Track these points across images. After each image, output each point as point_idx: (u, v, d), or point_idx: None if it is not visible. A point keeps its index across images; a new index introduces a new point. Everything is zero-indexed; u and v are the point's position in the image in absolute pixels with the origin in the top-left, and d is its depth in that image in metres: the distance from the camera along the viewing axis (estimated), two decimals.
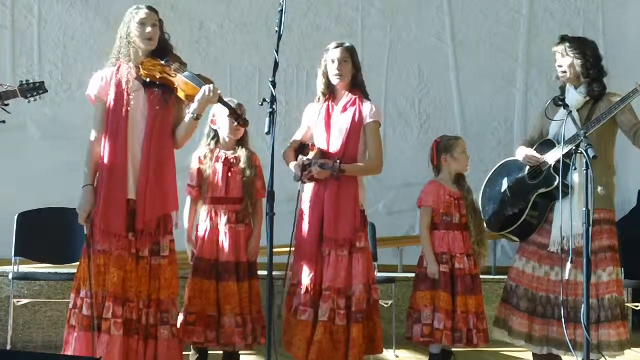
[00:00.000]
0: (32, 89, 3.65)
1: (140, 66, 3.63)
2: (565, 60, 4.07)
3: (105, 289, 3.53)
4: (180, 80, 3.63)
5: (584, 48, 4.09)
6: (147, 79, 3.63)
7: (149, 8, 3.69)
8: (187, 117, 3.69)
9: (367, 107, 4.05)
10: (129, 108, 3.60)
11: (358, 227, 4.00)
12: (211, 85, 3.62)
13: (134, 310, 3.55)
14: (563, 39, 4.15)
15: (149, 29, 3.63)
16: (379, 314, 4.08)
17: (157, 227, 3.65)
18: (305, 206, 4.04)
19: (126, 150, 3.59)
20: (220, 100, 3.68)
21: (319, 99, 4.14)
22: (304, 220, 4.04)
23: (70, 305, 3.59)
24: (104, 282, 3.54)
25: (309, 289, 3.93)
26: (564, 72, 4.09)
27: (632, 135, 4.02)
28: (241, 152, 4.17)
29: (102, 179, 3.59)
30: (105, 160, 3.60)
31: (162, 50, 3.71)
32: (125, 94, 3.61)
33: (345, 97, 4.07)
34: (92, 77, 3.71)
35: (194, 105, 3.65)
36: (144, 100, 3.64)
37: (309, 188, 4.04)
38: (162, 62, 3.66)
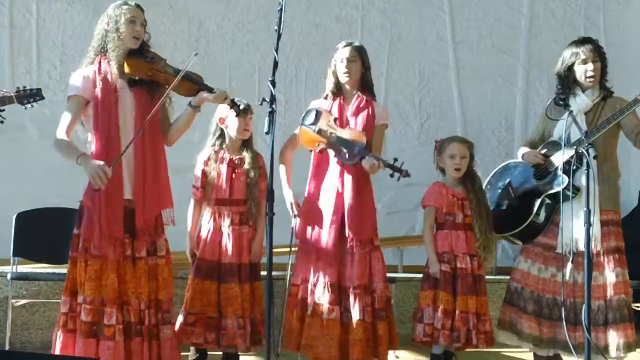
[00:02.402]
0: (29, 96, 3.60)
1: (126, 63, 3.56)
2: (597, 65, 4.09)
3: (102, 294, 3.48)
4: (171, 77, 3.54)
5: (603, 52, 4.14)
6: (136, 77, 3.57)
7: (138, 6, 3.63)
8: (187, 109, 3.65)
9: (379, 109, 4.11)
10: (118, 107, 3.53)
11: (375, 225, 4.07)
12: (224, 90, 3.61)
13: (132, 312, 3.51)
14: (586, 41, 4.15)
15: (138, 28, 3.58)
16: (392, 311, 4.13)
17: (154, 226, 3.63)
18: (321, 205, 4.02)
19: (120, 150, 3.52)
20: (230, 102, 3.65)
21: (327, 96, 4.15)
22: (313, 219, 4.03)
23: (65, 310, 3.53)
24: (100, 288, 3.48)
25: (335, 287, 3.92)
26: (596, 76, 4.10)
27: (634, 137, 4.03)
28: (246, 154, 4.16)
29: None
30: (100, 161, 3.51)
31: (141, 47, 3.64)
32: (113, 91, 3.54)
33: (357, 98, 4.08)
34: (72, 77, 3.62)
35: (196, 97, 3.61)
36: (131, 98, 3.58)
37: (317, 187, 4.03)
38: (147, 59, 3.59)
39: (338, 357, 3.90)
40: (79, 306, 3.49)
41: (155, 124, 3.63)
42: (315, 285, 3.97)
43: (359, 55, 4.07)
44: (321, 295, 3.94)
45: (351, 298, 3.92)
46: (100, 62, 3.58)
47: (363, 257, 3.97)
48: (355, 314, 3.90)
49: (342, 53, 4.06)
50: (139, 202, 3.57)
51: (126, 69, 3.56)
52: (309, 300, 3.98)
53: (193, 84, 3.61)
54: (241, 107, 3.74)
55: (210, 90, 3.61)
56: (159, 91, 3.61)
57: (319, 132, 3.95)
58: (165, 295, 3.63)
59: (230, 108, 3.71)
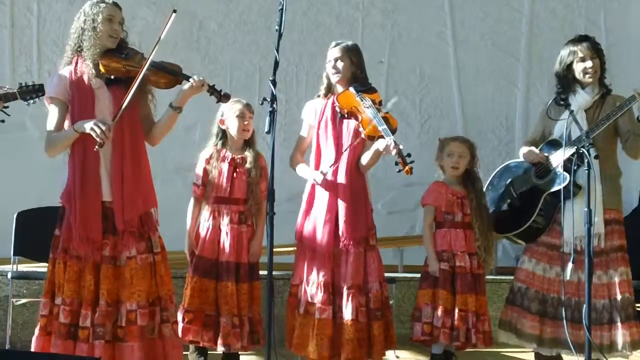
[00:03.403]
0: (32, 92, 3.60)
1: (100, 63, 3.49)
2: (595, 62, 4.10)
3: (80, 296, 3.45)
4: (148, 70, 3.46)
5: (601, 49, 4.17)
6: (112, 76, 3.51)
7: (116, 4, 3.58)
8: (167, 111, 3.58)
9: None
10: (95, 107, 3.48)
11: (371, 224, 4.05)
12: (200, 77, 3.50)
13: (96, 314, 3.43)
14: (582, 39, 4.16)
15: (116, 27, 3.53)
16: (390, 311, 4.13)
17: (142, 224, 3.55)
18: (316, 205, 4.03)
19: (98, 152, 3.46)
20: (209, 88, 3.54)
21: (319, 95, 4.16)
22: (310, 219, 4.04)
23: (46, 312, 3.49)
24: (79, 289, 3.46)
25: (328, 287, 3.92)
26: (595, 73, 4.11)
27: (623, 142, 4.07)
28: (248, 153, 4.16)
29: (76, 184, 3.48)
30: (77, 163, 3.49)
31: (118, 45, 3.58)
32: (90, 92, 3.49)
33: None
34: (50, 78, 3.61)
35: (177, 98, 3.55)
36: (108, 97, 3.53)
37: (317, 187, 4.03)
38: (122, 56, 3.53)
39: (329, 357, 3.90)
40: (56, 307, 3.45)
41: (135, 122, 3.58)
42: (309, 284, 3.97)
43: (347, 53, 4.05)
44: (314, 294, 3.94)
45: (344, 297, 3.92)
46: (77, 63, 3.54)
47: (357, 256, 3.96)
48: (348, 313, 3.90)
49: (331, 53, 4.08)
50: (117, 203, 3.49)
51: (101, 69, 3.49)
52: (302, 299, 3.98)
53: (168, 74, 3.52)
54: (222, 92, 3.59)
55: (187, 78, 3.50)
56: (139, 87, 3.51)
57: (362, 98, 3.93)
58: (164, 292, 3.58)
59: (210, 95, 3.58)
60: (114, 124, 3.41)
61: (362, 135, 3.90)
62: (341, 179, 3.98)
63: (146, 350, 3.51)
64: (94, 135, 3.35)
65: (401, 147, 3.68)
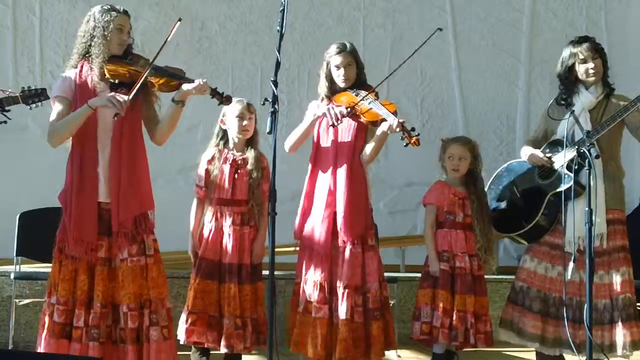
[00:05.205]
0: (34, 96, 3.62)
1: (104, 67, 3.52)
2: (597, 62, 4.11)
3: (75, 295, 3.47)
4: (149, 74, 3.49)
5: (602, 48, 4.16)
6: (116, 80, 3.53)
7: (125, 12, 3.60)
8: (170, 106, 3.57)
9: None
10: (97, 110, 3.49)
11: (370, 224, 4.05)
12: (204, 80, 3.51)
13: (90, 316, 3.45)
14: (582, 40, 4.16)
15: (125, 37, 3.56)
16: (390, 311, 4.13)
17: (136, 227, 3.55)
18: (315, 203, 4.04)
19: (96, 153, 3.50)
20: (211, 91, 3.55)
21: (322, 99, 4.14)
22: (309, 217, 4.06)
23: (49, 312, 3.51)
24: (74, 289, 3.47)
25: (324, 286, 3.93)
26: (597, 73, 4.11)
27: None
28: (249, 154, 4.16)
29: (73, 184, 3.51)
30: (75, 164, 3.52)
31: (124, 50, 3.61)
32: (93, 95, 3.51)
33: None
34: (55, 81, 3.63)
35: (178, 93, 3.54)
36: None
37: (317, 184, 4.04)
38: (126, 61, 3.56)
39: (324, 355, 3.91)
40: (52, 306, 3.48)
41: (136, 125, 3.60)
42: (307, 283, 3.99)
43: (353, 58, 4.07)
44: (311, 293, 3.95)
45: (339, 297, 3.93)
46: (82, 67, 3.57)
47: (355, 256, 3.97)
48: (342, 313, 3.90)
49: (337, 60, 4.04)
50: (113, 204, 3.51)
51: (106, 74, 3.52)
52: (302, 297, 4.00)
53: (171, 78, 3.53)
54: (224, 95, 3.58)
55: (191, 82, 3.52)
56: (141, 91, 3.54)
57: (357, 94, 3.96)
58: (154, 295, 3.56)
59: (212, 97, 3.58)
60: (128, 101, 3.42)
61: (363, 121, 3.93)
62: (341, 176, 3.99)
63: (139, 353, 3.51)
64: (110, 105, 3.39)
65: (402, 120, 3.75)
